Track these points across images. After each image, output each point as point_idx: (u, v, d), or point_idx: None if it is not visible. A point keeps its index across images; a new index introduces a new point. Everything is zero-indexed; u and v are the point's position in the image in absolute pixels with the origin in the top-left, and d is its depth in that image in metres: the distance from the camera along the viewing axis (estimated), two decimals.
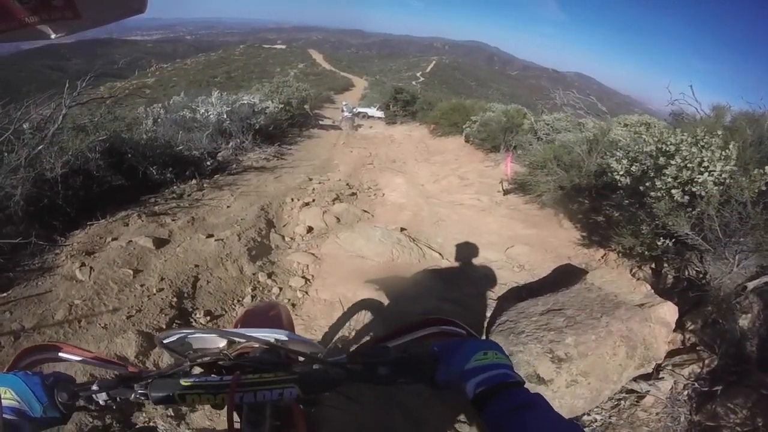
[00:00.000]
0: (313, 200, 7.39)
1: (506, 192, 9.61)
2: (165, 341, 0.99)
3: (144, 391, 0.91)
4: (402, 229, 6.48)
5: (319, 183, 8.65)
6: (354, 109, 22.64)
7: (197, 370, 1.00)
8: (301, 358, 1.05)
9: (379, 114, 26.27)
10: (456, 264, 5.66)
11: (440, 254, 5.85)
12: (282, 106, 13.25)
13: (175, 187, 6.96)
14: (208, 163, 8.02)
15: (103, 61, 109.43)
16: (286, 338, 1.04)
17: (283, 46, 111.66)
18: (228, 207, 6.49)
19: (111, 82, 68.43)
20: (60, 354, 1.03)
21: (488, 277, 5.19)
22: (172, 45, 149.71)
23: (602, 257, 5.53)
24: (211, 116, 10.26)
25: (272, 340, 1.02)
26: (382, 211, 7.71)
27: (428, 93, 24.10)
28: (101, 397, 0.91)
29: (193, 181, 7.28)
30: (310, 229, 6.17)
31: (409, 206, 8.05)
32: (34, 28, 0.67)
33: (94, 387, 0.91)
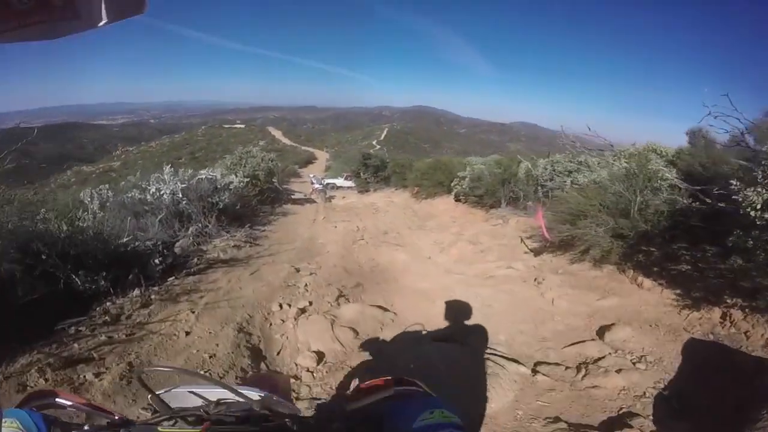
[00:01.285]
0: (310, 303, 5.26)
1: (536, 252, 7.78)
2: (159, 393, 1.10)
3: None
4: (452, 340, 4.34)
5: (311, 274, 6.52)
6: (323, 181, 20.89)
7: (181, 423, 1.04)
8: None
9: (349, 183, 24.82)
10: (551, 377, 3.69)
11: (519, 362, 3.91)
12: (247, 180, 11.41)
13: (108, 303, 4.66)
14: (157, 261, 5.68)
15: (72, 145, 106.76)
16: (264, 397, 1.09)
17: (243, 125, 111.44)
18: (187, 334, 4.21)
19: (77, 166, 65.36)
20: (57, 399, 1.11)
21: (615, 394, 3.38)
22: (137, 128, 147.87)
23: (723, 318, 4.15)
24: (165, 196, 8.04)
25: (254, 397, 1.08)
26: (404, 303, 5.66)
27: (396, 156, 22.71)
28: None
29: (136, 292, 4.96)
30: (320, 357, 4.00)
31: (434, 291, 6.05)
32: (34, 29, 0.62)
33: (86, 427, 1.02)
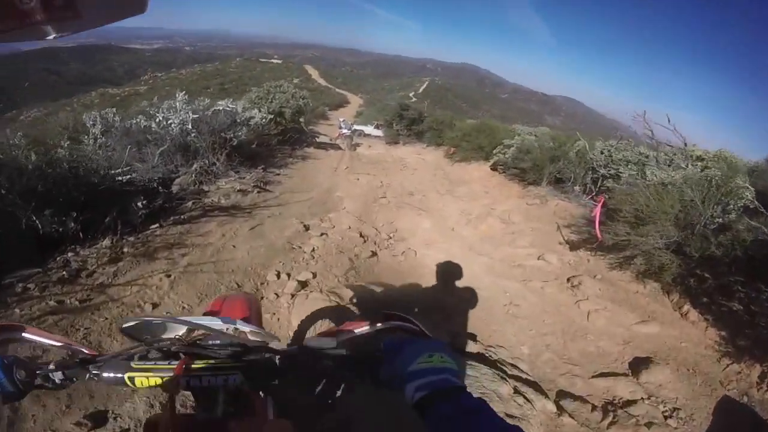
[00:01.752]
0: (314, 276, 4.40)
1: (573, 246, 6.77)
2: (124, 326, 1.01)
3: (97, 371, 0.92)
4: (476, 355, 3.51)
5: (321, 235, 5.63)
6: (352, 126, 19.73)
7: (154, 355, 0.98)
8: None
9: (378, 133, 23.70)
10: (576, 419, 3.06)
11: (544, 393, 3.23)
12: (271, 117, 10.29)
13: (70, 254, 3.87)
14: (140, 204, 4.77)
15: (101, 67, 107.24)
16: (238, 327, 1.03)
17: (280, 61, 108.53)
18: (154, 306, 3.41)
19: (103, 88, 65.24)
20: (24, 335, 1.02)
21: None
22: (171, 55, 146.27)
23: (761, 379, 3.57)
24: (173, 126, 7.17)
25: (225, 329, 1.02)
26: (421, 289, 4.73)
27: (437, 112, 21.14)
28: (57, 376, 0.91)
29: (107, 241, 4.15)
30: None
31: (458, 275, 5.11)
32: (34, 28, 0.58)
33: (51, 366, 0.91)
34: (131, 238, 4.36)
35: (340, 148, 15.29)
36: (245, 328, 1.04)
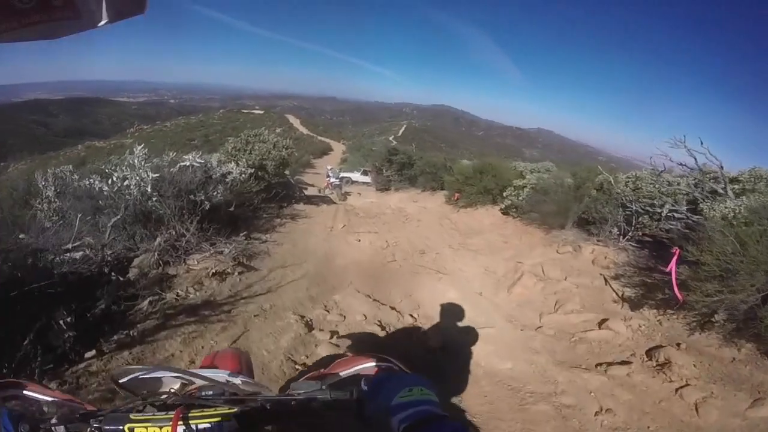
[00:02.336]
0: None
1: (633, 304, 5.48)
2: (120, 381, 1.04)
3: (98, 425, 0.93)
4: None
5: (332, 337, 4.08)
6: (340, 174, 18.45)
7: (152, 408, 1.00)
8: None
9: (366, 179, 22.67)
10: None
11: None
12: (252, 171, 8.47)
13: None
14: (65, 321, 3.02)
15: (88, 119, 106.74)
16: (231, 378, 1.10)
17: (261, 111, 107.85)
18: None
19: (89, 141, 64.07)
20: (25, 392, 1.04)
21: None
22: (156, 108, 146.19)
23: None
24: (131, 188, 5.62)
25: (218, 380, 1.07)
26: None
27: (427, 154, 20.00)
28: (60, 430, 0.92)
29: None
30: None
31: (516, 370, 3.68)
32: (34, 29, 0.63)
33: (54, 420, 0.93)
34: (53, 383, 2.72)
35: (332, 202, 13.80)
36: (237, 379, 1.10)
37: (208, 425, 0.94)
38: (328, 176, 17.39)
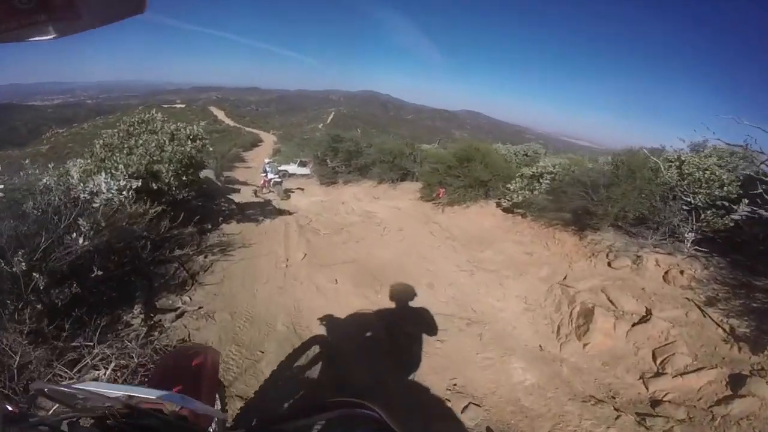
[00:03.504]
0: None
1: (752, 345, 3.81)
2: (46, 389, 0.89)
3: None
4: None
5: None
6: (278, 168, 15.18)
7: (85, 424, 0.87)
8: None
9: (304, 170, 19.78)
10: None
11: None
12: (136, 185, 4.20)
13: None
14: None
15: (3, 128, 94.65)
16: (179, 403, 0.94)
17: (183, 105, 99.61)
18: None
19: (3, 150, 55.34)
20: None
21: None
22: (73, 110, 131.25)
23: None
24: None
25: (166, 404, 0.94)
26: None
27: (375, 140, 16.91)
28: None
29: None
30: None
31: None
32: (34, 28, 0.61)
33: None
34: None
35: (274, 209, 10.26)
36: (190, 405, 0.94)
37: None
38: (265, 172, 14.06)
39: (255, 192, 12.52)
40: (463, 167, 8.77)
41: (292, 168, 20.85)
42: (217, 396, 1.61)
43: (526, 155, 12.17)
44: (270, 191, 13.99)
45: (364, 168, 14.58)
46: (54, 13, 0.59)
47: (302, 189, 15.49)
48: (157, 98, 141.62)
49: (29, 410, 0.94)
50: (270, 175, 13.84)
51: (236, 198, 9.62)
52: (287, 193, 14.04)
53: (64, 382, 1.01)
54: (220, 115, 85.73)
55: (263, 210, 8.68)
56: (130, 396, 0.91)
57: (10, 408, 0.83)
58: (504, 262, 5.98)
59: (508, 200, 7.61)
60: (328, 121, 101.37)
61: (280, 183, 13.76)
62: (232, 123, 75.23)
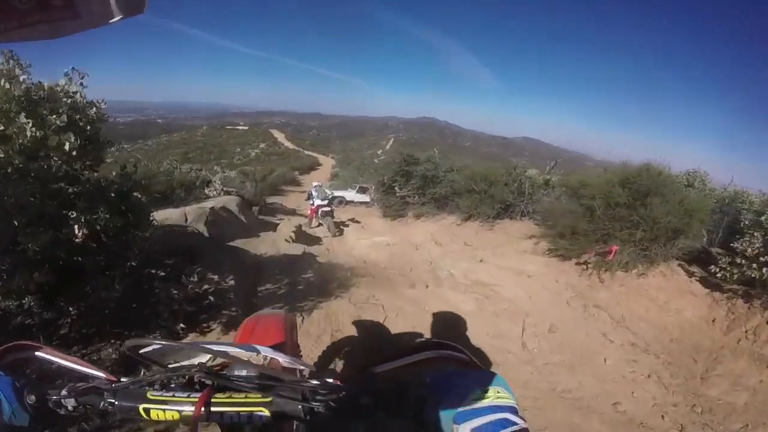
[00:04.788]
0: None
1: None
2: (141, 351, 0.83)
3: (112, 399, 0.78)
4: None
5: None
6: (330, 194, 11.69)
7: (174, 384, 0.82)
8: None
9: (363, 198, 17.28)
10: None
11: None
12: None
13: None
14: None
15: None
16: (269, 355, 0.86)
17: (246, 127, 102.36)
18: None
19: None
20: (37, 353, 0.90)
21: None
22: (143, 127, 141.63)
23: None
24: None
25: (253, 357, 0.87)
26: None
27: (456, 162, 13.10)
28: (70, 403, 0.79)
29: None
30: None
31: None
32: (34, 29, 0.60)
33: (63, 392, 0.79)
34: None
35: (323, 284, 6.46)
36: (277, 356, 0.86)
37: (236, 414, 0.74)
38: (312, 196, 10.66)
39: (297, 230, 9.01)
40: (639, 205, 4.86)
41: (349, 194, 17.92)
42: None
43: (690, 185, 7.90)
44: (318, 224, 10.64)
45: (442, 199, 10.85)
46: (54, 13, 0.58)
47: (358, 221, 12.00)
48: (222, 120, 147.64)
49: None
50: (317, 202, 10.42)
51: (267, 239, 6.22)
52: (339, 228, 10.60)
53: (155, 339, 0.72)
54: (281, 137, 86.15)
55: (295, 274, 4.98)
56: (224, 352, 0.80)
57: (104, 376, 0.83)
58: None
59: (729, 271, 3.62)
60: (387, 147, 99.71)
61: (330, 213, 10.33)
62: (291, 146, 74.87)
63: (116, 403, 0.77)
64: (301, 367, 0.91)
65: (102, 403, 0.78)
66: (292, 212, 13.37)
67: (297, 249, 5.56)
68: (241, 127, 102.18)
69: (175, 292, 2.40)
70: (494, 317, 4.30)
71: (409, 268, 6.97)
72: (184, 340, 1.31)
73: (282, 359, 0.87)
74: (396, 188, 12.00)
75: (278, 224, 8.49)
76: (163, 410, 0.76)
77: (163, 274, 3.18)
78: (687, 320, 4.30)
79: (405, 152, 12.11)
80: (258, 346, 0.86)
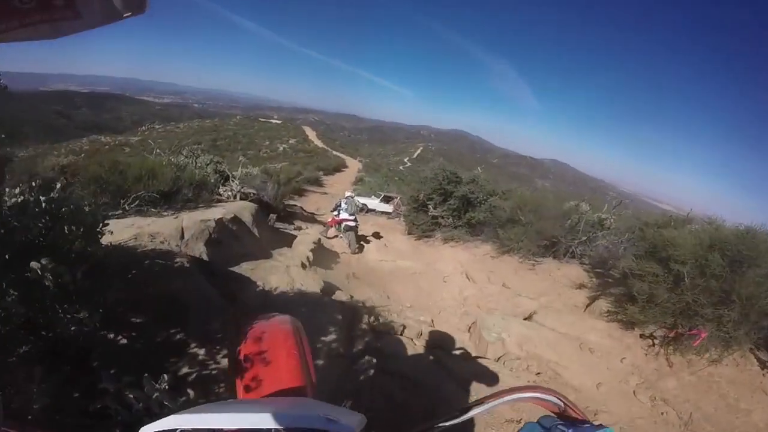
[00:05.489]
0: None
1: None
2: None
3: None
4: None
5: None
6: (359, 207, 10.78)
7: None
8: None
9: (386, 208, 16.62)
10: None
11: None
12: None
13: None
14: None
15: (109, 115, 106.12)
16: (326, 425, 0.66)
17: (279, 121, 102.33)
18: None
19: (96, 135, 59.50)
20: None
21: None
22: (179, 110, 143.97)
23: None
24: None
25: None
26: None
27: (502, 185, 11.91)
28: None
29: None
30: None
31: None
32: (35, 29, 0.60)
33: None
34: None
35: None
36: (313, 417, 0.68)
37: None
38: (339, 207, 9.80)
39: (315, 247, 8.07)
40: (735, 278, 3.74)
41: (372, 203, 17.12)
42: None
43: None
44: (337, 235, 9.76)
45: (479, 225, 9.77)
46: (54, 13, 0.58)
47: (383, 238, 11.03)
48: (257, 112, 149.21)
49: None
50: (343, 215, 9.53)
51: (280, 261, 5.29)
52: (360, 244, 9.67)
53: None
54: (312, 135, 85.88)
55: (308, 326, 4.02)
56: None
57: None
58: None
59: None
60: (415, 156, 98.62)
61: (354, 228, 9.41)
62: (321, 144, 74.35)
63: None
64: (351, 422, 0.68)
65: None
66: (311, 218, 12.50)
67: (314, 282, 4.57)
68: (274, 121, 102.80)
69: (133, 398, 1.38)
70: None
71: (438, 310, 5.97)
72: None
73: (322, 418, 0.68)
74: (430, 206, 10.97)
75: (294, 237, 7.59)
76: None
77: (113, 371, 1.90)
78: (754, 424, 3.35)
79: (448, 169, 11.00)
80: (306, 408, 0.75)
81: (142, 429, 0.69)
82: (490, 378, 3.41)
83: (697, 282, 4.25)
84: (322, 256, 7.22)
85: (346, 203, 9.66)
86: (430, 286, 7.02)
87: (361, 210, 16.64)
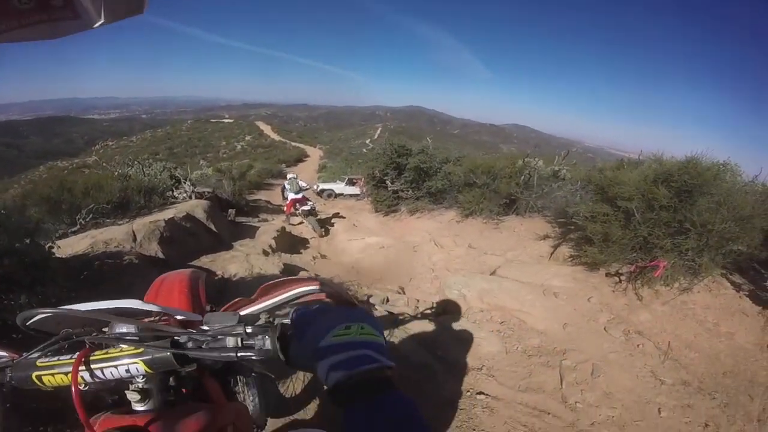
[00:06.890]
0: None
1: None
2: (27, 323, 0.77)
3: (11, 374, 0.76)
4: None
5: None
6: (306, 186, 10.53)
7: (60, 352, 0.78)
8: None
9: (353, 190, 16.84)
10: None
11: None
12: None
13: None
14: None
15: (59, 140, 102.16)
16: (152, 310, 0.79)
17: (230, 120, 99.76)
18: None
19: (52, 162, 57.07)
20: None
21: None
22: (128, 123, 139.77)
23: None
24: None
25: (137, 311, 0.79)
26: None
27: (453, 152, 12.04)
28: None
29: None
30: None
31: None
32: (34, 29, 0.60)
33: None
34: None
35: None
36: (169, 312, 0.84)
37: (114, 369, 0.72)
38: (285, 190, 9.81)
39: (279, 234, 7.94)
40: (686, 207, 3.91)
41: (338, 187, 17.37)
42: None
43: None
44: (300, 221, 9.69)
45: (439, 193, 9.82)
46: (54, 13, 0.56)
47: (344, 217, 10.99)
48: (208, 114, 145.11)
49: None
50: (290, 196, 9.53)
51: (240, 251, 5.16)
52: (325, 227, 9.61)
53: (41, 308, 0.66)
54: (267, 129, 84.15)
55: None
56: (102, 310, 0.74)
57: (6, 355, 0.79)
58: None
59: None
60: (375, 136, 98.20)
61: (311, 212, 9.33)
62: (278, 137, 73.12)
63: (13, 375, 0.74)
64: (193, 319, 0.84)
65: (6, 379, 0.75)
66: (278, 209, 12.28)
67: (274, 265, 4.50)
68: (226, 120, 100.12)
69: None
70: (525, 360, 3.31)
71: (408, 278, 5.98)
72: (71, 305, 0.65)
73: (173, 314, 0.84)
74: (387, 182, 10.94)
75: (258, 228, 7.43)
76: (52, 375, 0.73)
77: None
78: (740, 347, 3.44)
79: (396, 143, 10.96)
80: (137, 302, 0.77)
81: (20, 314, 0.73)
82: (451, 332, 3.46)
83: (648, 216, 4.39)
84: (289, 242, 7.10)
85: (289, 185, 9.73)
86: (399, 257, 7.03)
87: (329, 195, 16.59)
